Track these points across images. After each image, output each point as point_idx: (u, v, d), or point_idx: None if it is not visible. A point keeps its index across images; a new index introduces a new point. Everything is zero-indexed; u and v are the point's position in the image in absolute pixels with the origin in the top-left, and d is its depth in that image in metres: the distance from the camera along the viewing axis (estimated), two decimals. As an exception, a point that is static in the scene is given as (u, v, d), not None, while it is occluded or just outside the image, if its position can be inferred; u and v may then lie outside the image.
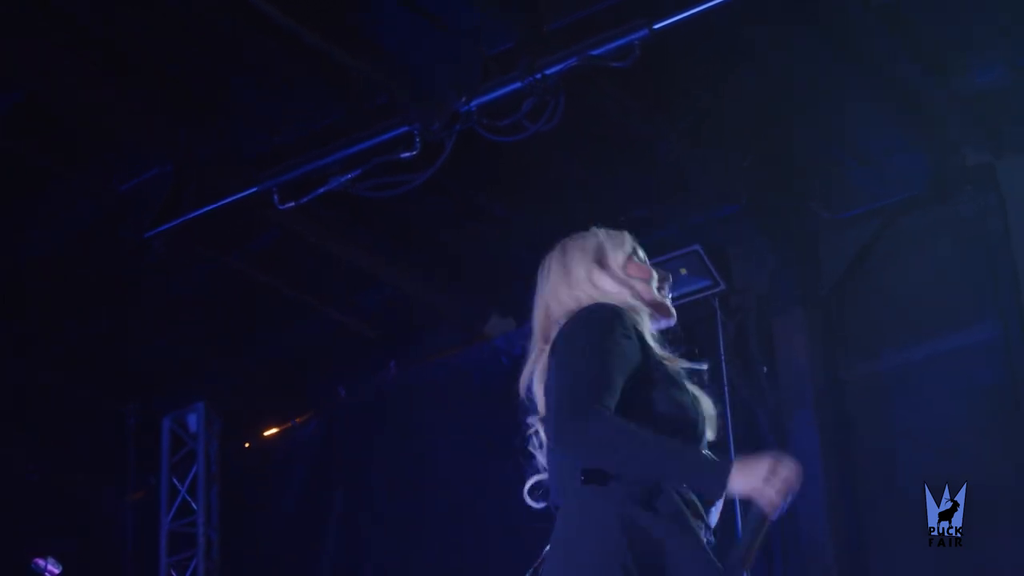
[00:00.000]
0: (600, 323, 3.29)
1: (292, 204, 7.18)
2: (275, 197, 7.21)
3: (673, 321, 3.57)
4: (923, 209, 7.75)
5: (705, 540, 3.17)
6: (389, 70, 6.69)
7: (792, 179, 7.77)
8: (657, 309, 3.54)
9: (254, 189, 7.25)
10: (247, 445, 9.93)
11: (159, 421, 9.44)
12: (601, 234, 3.60)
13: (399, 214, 7.86)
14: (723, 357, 7.78)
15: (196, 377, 9.44)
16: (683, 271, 7.66)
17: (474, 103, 6.60)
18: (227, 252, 8.22)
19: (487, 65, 6.62)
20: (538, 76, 6.41)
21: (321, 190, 7.05)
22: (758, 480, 3.08)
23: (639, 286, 3.52)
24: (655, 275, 3.59)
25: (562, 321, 3.40)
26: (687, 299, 7.77)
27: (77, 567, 7.86)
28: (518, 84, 6.48)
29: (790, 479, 3.10)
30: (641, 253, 3.61)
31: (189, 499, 9.28)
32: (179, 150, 7.27)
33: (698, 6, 6.13)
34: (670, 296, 3.57)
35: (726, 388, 7.70)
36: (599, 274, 3.49)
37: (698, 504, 3.19)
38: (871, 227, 7.88)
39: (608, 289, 3.45)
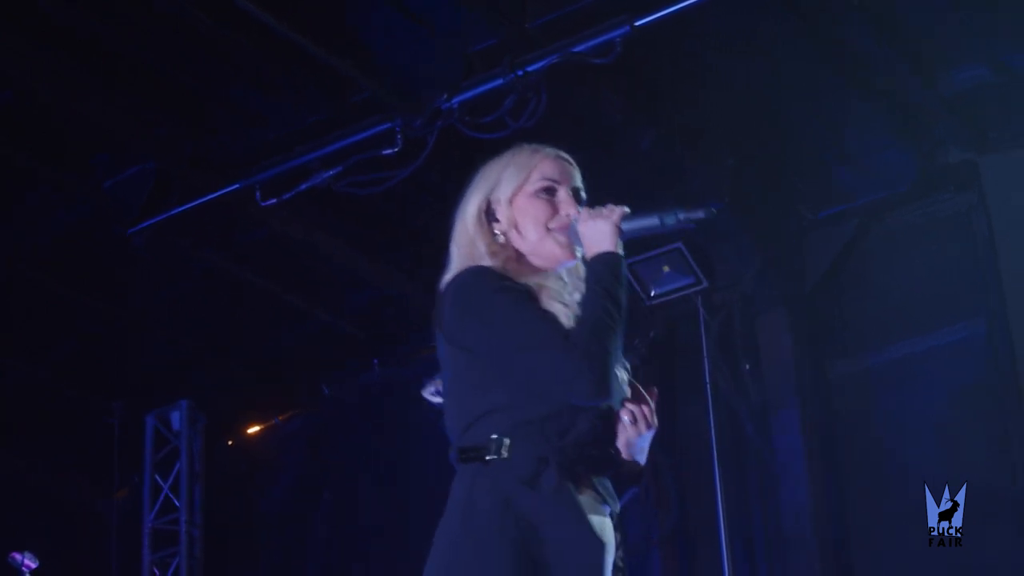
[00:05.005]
0: (480, 284, 3.16)
1: (274, 201, 7.19)
2: (257, 194, 7.21)
3: (567, 259, 3.26)
4: (906, 207, 7.75)
5: (594, 512, 3.08)
6: (371, 67, 6.69)
7: (776, 177, 7.77)
8: (541, 257, 3.29)
9: (236, 186, 7.26)
10: (230, 443, 9.92)
11: (142, 419, 9.42)
12: (511, 161, 3.36)
13: (383, 212, 7.85)
14: (706, 355, 7.77)
15: (180, 375, 9.42)
16: (666, 268, 7.66)
17: (456, 100, 6.61)
18: (211, 249, 8.21)
19: (469, 62, 6.62)
20: (520, 73, 6.42)
21: (303, 186, 7.06)
22: (598, 228, 3.19)
23: (516, 240, 3.29)
24: (551, 207, 3.30)
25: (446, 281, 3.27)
26: (670, 297, 7.77)
27: (60, 564, 7.86)
28: (500, 81, 6.49)
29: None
30: (545, 172, 3.32)
31: (172, 497, 9.27)
32: (162, 148, 7.27)
33: (680, 3, 6.14)
34: (578, 224, 3.23)
35: (709, 387, 7.70)
36: (479, 228, 3.30)
37: (587, 475, 3.08)
38: (855, 225, 7.88)
39: (480, 251, 3.27)
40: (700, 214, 3.15)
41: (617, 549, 3.15)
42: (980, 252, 7.48)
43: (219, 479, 9.54)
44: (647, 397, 3.18)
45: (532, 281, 3.21)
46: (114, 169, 7.47)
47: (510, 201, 3.31)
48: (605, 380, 3.04)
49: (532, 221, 3.29)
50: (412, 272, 8.42)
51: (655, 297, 7.75)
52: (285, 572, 9.55)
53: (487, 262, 3.25)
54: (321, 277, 8.57)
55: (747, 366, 7.91)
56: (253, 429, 9.90)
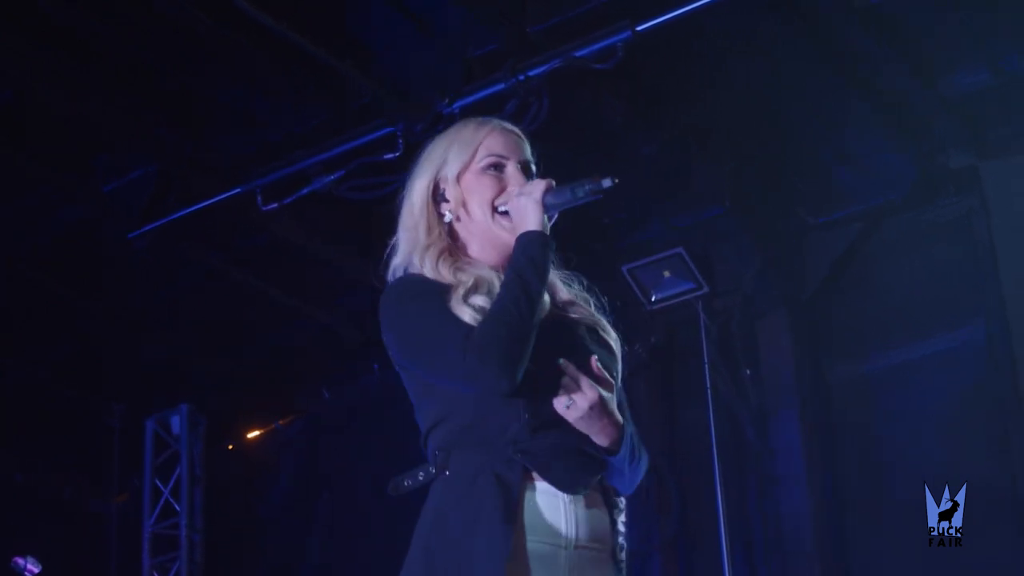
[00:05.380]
0: (393, 302, 3.15)
1: (275, 205, 7.18)
2: (258, 198, 7.21)
3: (511, 236, 3.14)
4: (907, 211, 7.76)
5: (547, 507, 3.02)
6: (373, 71, 6.69)
7: (776, 181, 7.78)
8: (491, 241, 3.22)
9: (237, 190, 7.26)
10: (230, 447, 9.92)
11: (143, 423, 9.42)
12: (456, 137, 3.29)
13: (384, 216, 7.84)
14: (706, 360, 7.78)
15: (180, 379, 9.42)
16: (666, 274, 7.67)
17: (457, 105, 6.59)
18: (213, 253, 8.21)
19: (470, 67, 6.62)
20: (521, 78, 6.41)
21: (304, 191, 7.06)
22: (522, 206, 3.13)
23: (465, 220, 3.24)
24: (498, 184, 3.23)
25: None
26: (670, 302, 7.78)
27: (61, 569, 7.86)
28: (501, 86, 6.48)
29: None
30: (491, 148, 3.24)
31: (172, 501, 9.26)
32: (163, 151, 7.27)
33: (681, 8, 6.14)
34: (517, 199, 3.16)
35: (709, 391, 7.71)
36: (425, 211, 3.25)
37: (539, 468, 3.01)
38: (855, 229, 7.89)
39: (420, 240, 3.24)
40: (607, 183, 3.11)
41: (616, 535, 3.12)
42: (980, 256, 7.49)
43: (219, 483, 9.54)
44: (576, 374, 3.03)
45: (462, 276, 3.14)
46: (115, 170, 7.47)
47: (457, 179, 3.23)
48: (504, 367, 2.93)
49: (478, 200, 3.21)
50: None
51: (655, 302, 7.76)
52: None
53: (420, 255, 3.20)
54: (322, 281, 8.57)
55: (747, 371, 7.91)
56: (253, 433, 9.91)
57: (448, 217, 3.25)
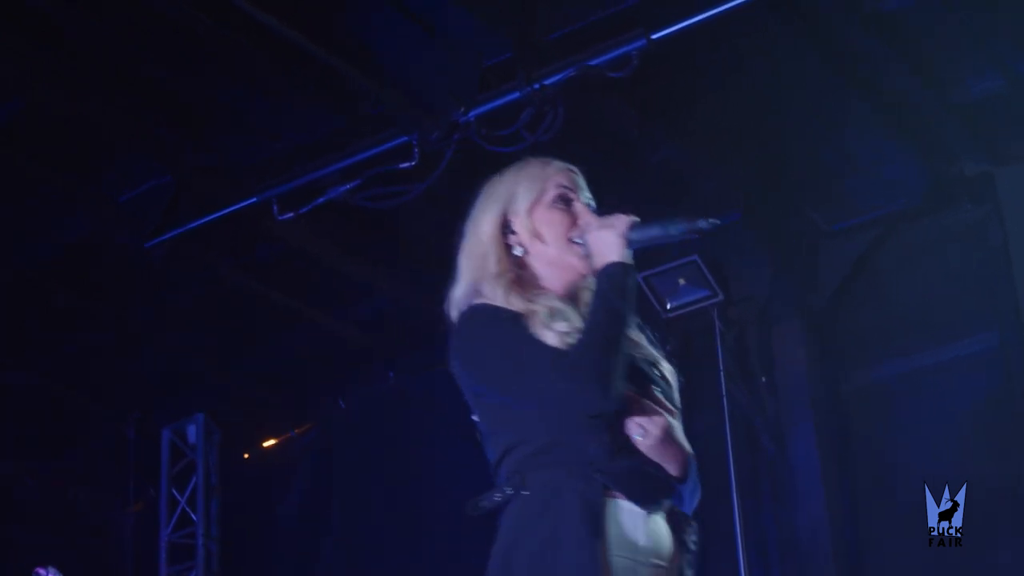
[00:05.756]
0: (474, 330, 3.26)
1: (291, 215, 7.19)
2: (274, 207, 7.22)
3: (587, 271, 3.30)
4: (921, 219, 7.75)
5: (627, 523, 3.13)
6: (387, 81, 6.68)
7: (789, 189, 7.78)
8: (562, 268, 3.34)
9: (253, 200, 7.27)
10: (246, 456, 9.93)
11: (158, 432, 9.44)
12: (523, 174, 3.43)
13: (398, 225, 7.86)
14: (722, 367, 7.78)
15: (196, 388, 9.44)
16: (682, 281, 7.67)
17: (472, 113, 6.60)
18: (227, 262, 8.22)
19: (485, 75, 6.62)
20: (536, 86, 6.41)
21: (320, 200, 7.06)
22: (603, 239, 3.25)
23: (538, 250, 3.35)
24: (569, 217, 3.36)
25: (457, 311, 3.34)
26: (686, 309, 7.79)
27: (77, 579, 7.89)
28: (516, 94, 6.48)
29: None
30: (559, 182, 3.39)
31: (188, 510, 9.28)
32: (177, 161, 7.28)
33: (696, 16, 6.15)
34: (587, 235, 3.29)
35: (725, 398, 7.71)
36: (494, 243, 3.36)
37: (614, 489, 3.11)
38: (869, 237, 7.89)
39: (490, 270, 3.32)
40: (703, 224, 3.20)
41: (685, 551, 3.28)
42: (995, 264, 7.48)
43: (236, 492, 9.55)
44: (652, 406, 3.20)
45: (531, 305, 3.24)
46: (127, 179, 7.49)
47: (528, 212, 3.36)
48: (598, 391, 3.07)
49: (553, 233, 3.34)
50: (427, 284, 8.41)
51: (671, 310, 7.76)
52: (302, 585, 9.56)
53: (490, 284, 3.29)
54: (337, 289, 8.58)
55: (763, 378, 7.92)
56: (269, 442, 9.92)
57: (518, 250, 3.36)
